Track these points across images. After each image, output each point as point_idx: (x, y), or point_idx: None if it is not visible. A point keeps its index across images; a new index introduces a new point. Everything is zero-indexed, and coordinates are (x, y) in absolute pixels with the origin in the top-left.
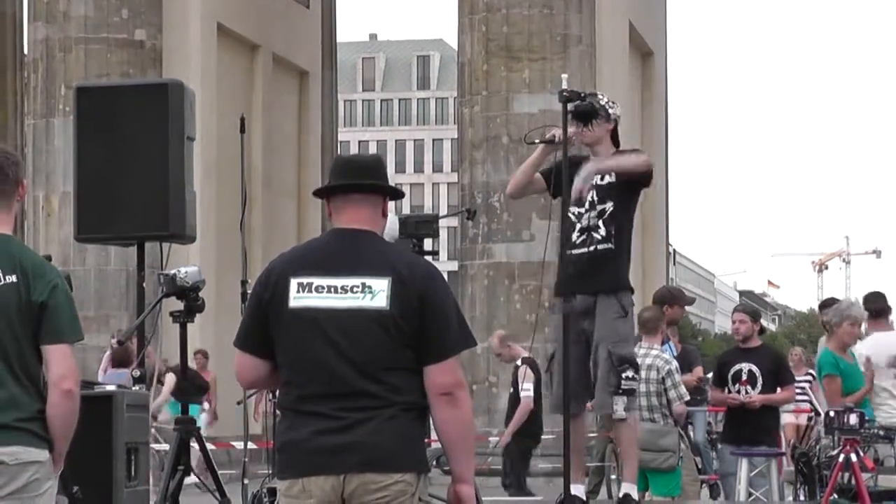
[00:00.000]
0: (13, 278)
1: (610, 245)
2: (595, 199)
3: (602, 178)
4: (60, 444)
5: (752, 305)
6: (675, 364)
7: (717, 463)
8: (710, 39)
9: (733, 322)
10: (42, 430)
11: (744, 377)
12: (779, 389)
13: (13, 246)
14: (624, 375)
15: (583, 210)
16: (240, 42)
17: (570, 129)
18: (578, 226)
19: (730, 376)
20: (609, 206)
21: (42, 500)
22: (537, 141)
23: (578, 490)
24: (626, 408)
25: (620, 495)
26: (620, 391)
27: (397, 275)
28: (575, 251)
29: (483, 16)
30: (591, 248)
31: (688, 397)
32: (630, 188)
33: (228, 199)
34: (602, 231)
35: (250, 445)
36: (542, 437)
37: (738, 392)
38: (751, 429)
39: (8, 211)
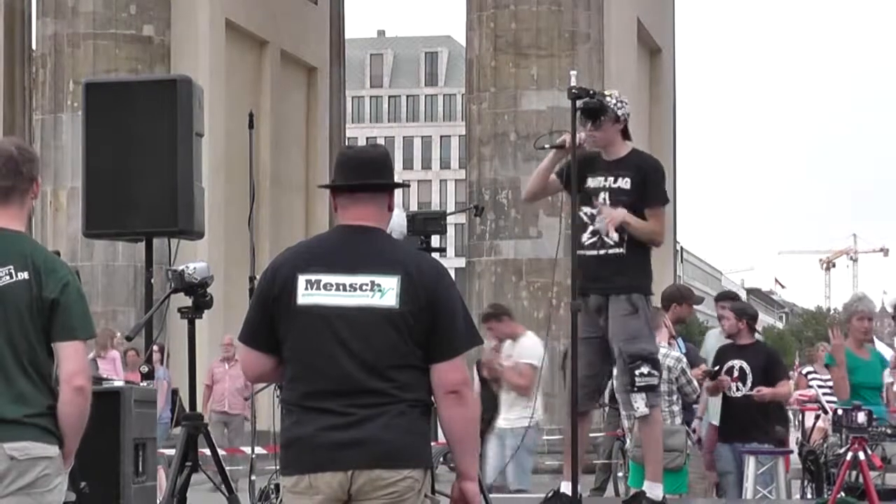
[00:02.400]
0: (25, 275)
1: (621, 250)
2: (608, 202)
3: (615, 182)
4: (71, 441)
5: (739, 304)
6: (685, 360)
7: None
8: (718, 36)
9: (719, 318)
10: (52, 425)
11: (735, 374)
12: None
13: (25, 243)
14: (637, 372)
15: (595, 211)
16: (248, 38)
17: (581, 135)
18: (591, 227)
19: (724, 372)
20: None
21: (52, 496)
22: (547, 146)
23: (567, 488)
24: (648, 404)
25: (656, 496)
26: (636, 388)
27: (406, 273)
28: (586, 252)
29: (491, 12)
30: (603, 251)
31: (699, 390)
32: (641, 195)
33: (237, 195)
34: (614, 236)
35: (259, 450)
36: (550, 436)
37: (729, 389)
38: (743, 426)
39: (20, 208)
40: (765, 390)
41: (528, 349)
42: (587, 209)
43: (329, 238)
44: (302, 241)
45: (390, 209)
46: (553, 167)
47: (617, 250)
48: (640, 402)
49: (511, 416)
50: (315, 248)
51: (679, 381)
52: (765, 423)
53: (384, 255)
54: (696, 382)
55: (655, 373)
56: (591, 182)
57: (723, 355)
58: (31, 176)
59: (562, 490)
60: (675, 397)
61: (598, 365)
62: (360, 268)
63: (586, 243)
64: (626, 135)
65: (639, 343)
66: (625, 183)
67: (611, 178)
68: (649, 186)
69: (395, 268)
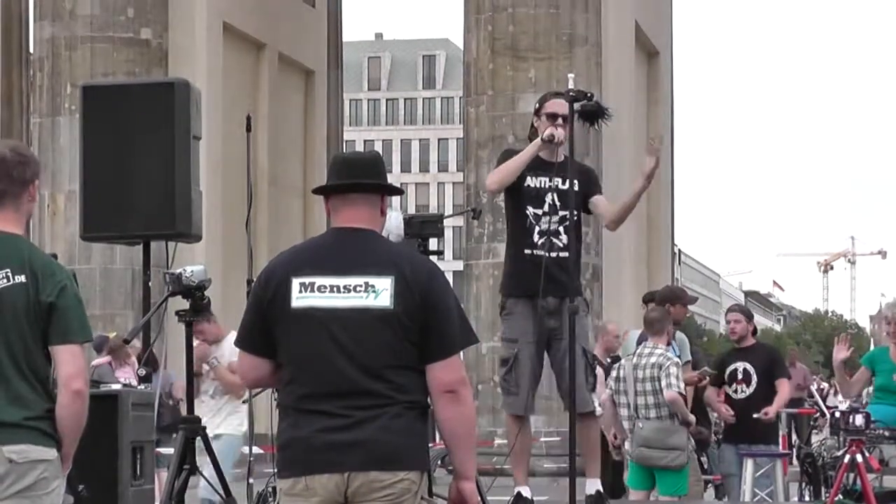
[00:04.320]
0: (22, 278)
1: (572, 253)
2: (557, 203)
3: (563, 183)
4: (69, 444)
5: (743, 306)
6: (675, 360)
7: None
8: (715, 39)
9: (728, 322)
10: (50, 428)
11: (739, 376)
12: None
13: (22, 246)
14: (595, 373)
15: (540, 212)
16: (246, 41)
17: (559, 131)
18: (537, 228)
19: (727, 376)
20: (571, 213)
21: (50, 499)
22: (544, 139)
23: (527, 491)
24: (599, 404)
25: (592, 492)
26: (595, 388)
27: (400, 273)
28: (537, 252)
29: (489, 15)
30: (554, 254)
31: (679, 387)
32: (584, 200)
33: (234, 198)
34: (563, 238)
35: (256, 449)
36: (548, 437)
37: (735, 391)
38: (746, 426)
39: (15, 211)
40: (771, 410)
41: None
42: (531, 209)
43: (322, 240)
44: (295, 245)
45: (383, 213)
46: (529, 162)
47: (565, 253)
48: (595, 402)
49: (234, 421)
50: (308, 251)
51: (660, 375)
52: (768, 424)
53: (377, 255)
54: (675, 379)
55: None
56: (533, 181)
57: (726, 360)
58: (24, 179)
59: (524, 495)
60: (661, 397)
61: (540, 368)
62: (353, 269)
63: (538, 243)
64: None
65: (590, 343)
66: (574, 187)
67: (557, 180)
68: (591, 181)
69: (388, 268)
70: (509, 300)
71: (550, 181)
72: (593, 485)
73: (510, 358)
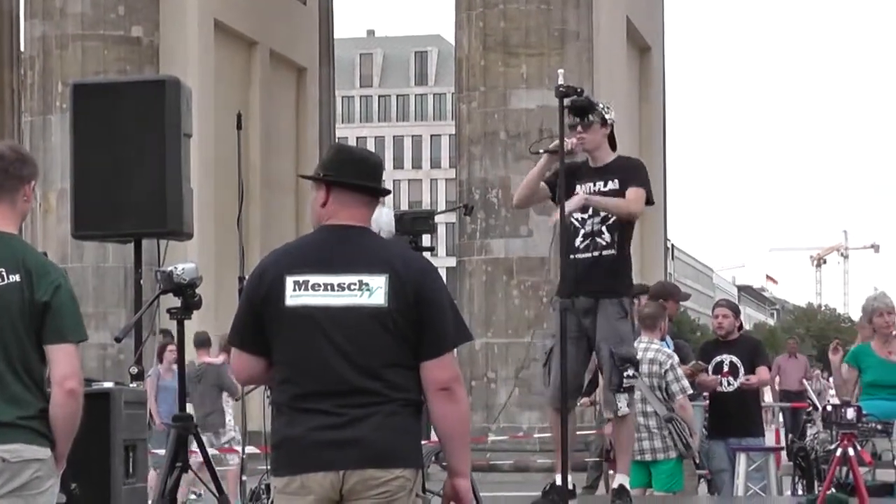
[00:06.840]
0: (16, 278)
1: (613, 251)
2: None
3: (605, 185)
4: (63, 444)
5: (731, 301)
6: (676, 358)
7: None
8: (707, 35)
9: (715, 317)
10: (44, 428)
11: (725, 368)
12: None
13: (17, 245)
14: (625, 374)
15: (586, 216)
16: (237, 39)
17: (572, 140)
18: (582, 231)
19: (711, 367)
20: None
21: (44, 499)
22: (541, 151)
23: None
24: (628, 403)
25: (616, 486)
26: (622, 389)
27: (394, 271)
28: (579, 255)
29: (480, 11)
30: (596, 253)
31: (690, 391)
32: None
33: (226, 196)
34: (606, 237)
35: (250, 449)
36: (542, 434)
37: (721, 383)
38: (734, 420)
39: (11, 209)
40: (752, 378)
41: None
42: (577, 214)
43: (316, 238)
44: (289, 242)
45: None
46: (544, 173)
47: (609, 252)
48: (622, 402)
49: None
50: (302, 249)
51: (666, 378)
52: (758, 415)
53: (371, 253)
54: (686, 381)
55: (637, 375)
56: (580, 190)
57: (710, 351)
58: (21, 176)
59: (558, 483)
60: (659, 394)
61: (578, 365)
62: (347, 267)
63: (580, 247)
64: (612, 142)
65: (627, 346)
66: (614, 184)
67: (600, 183)
68: (630, 174)
69: (382, 266)
70: (555, 298)
71: (594, 185)
72: (619, 479)
73: (547, 352)
